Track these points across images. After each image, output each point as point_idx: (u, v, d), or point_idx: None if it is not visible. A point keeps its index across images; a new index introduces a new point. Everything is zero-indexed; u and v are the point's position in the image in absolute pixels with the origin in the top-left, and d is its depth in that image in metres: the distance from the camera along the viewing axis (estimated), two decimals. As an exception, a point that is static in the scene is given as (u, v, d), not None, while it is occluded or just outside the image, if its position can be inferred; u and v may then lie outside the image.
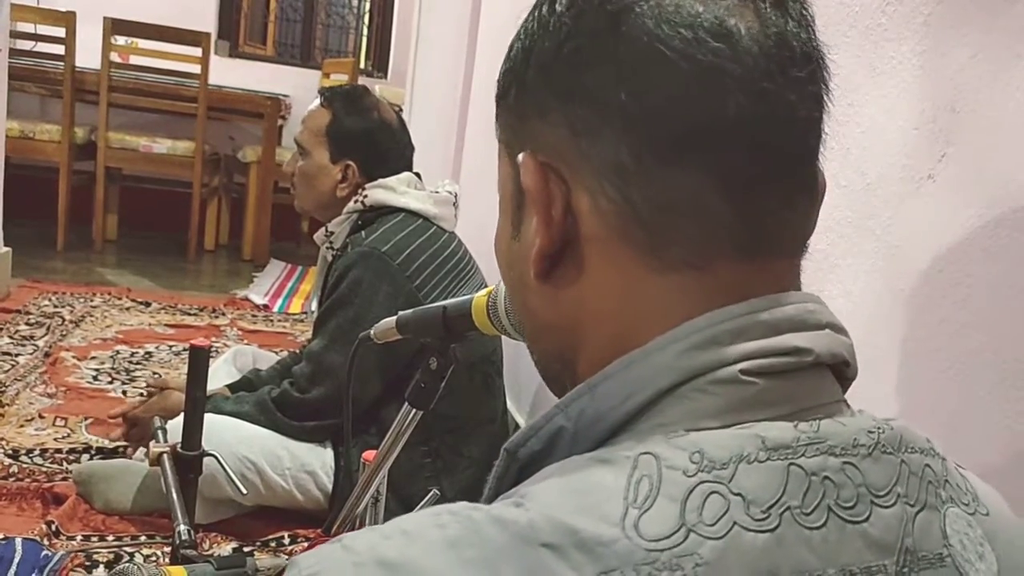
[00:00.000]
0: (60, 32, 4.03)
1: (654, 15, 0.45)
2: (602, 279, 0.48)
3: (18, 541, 1.64)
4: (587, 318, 0.50)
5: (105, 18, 4.08)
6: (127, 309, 3.41)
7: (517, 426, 2.24)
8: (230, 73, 5.07)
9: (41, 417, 2.33)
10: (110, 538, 1.78)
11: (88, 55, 4.08)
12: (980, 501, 0.49)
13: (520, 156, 0.50)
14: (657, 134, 0.45)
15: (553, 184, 0.48)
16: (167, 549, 1.74)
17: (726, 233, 0.46)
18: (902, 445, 0.46)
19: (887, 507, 0.43)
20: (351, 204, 1.92)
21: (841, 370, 0.48)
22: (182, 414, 1.28)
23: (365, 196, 1.91)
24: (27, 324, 3.06)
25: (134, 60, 4.45)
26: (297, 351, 2.22)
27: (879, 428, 0.46)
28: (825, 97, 0.48)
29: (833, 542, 0.41)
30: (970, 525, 0.47)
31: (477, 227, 2.63)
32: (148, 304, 3.50)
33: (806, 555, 0.40)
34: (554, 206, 0.48)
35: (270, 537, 1.84)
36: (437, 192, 1.97)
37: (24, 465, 2.04)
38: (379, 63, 6.12)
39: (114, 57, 4.20)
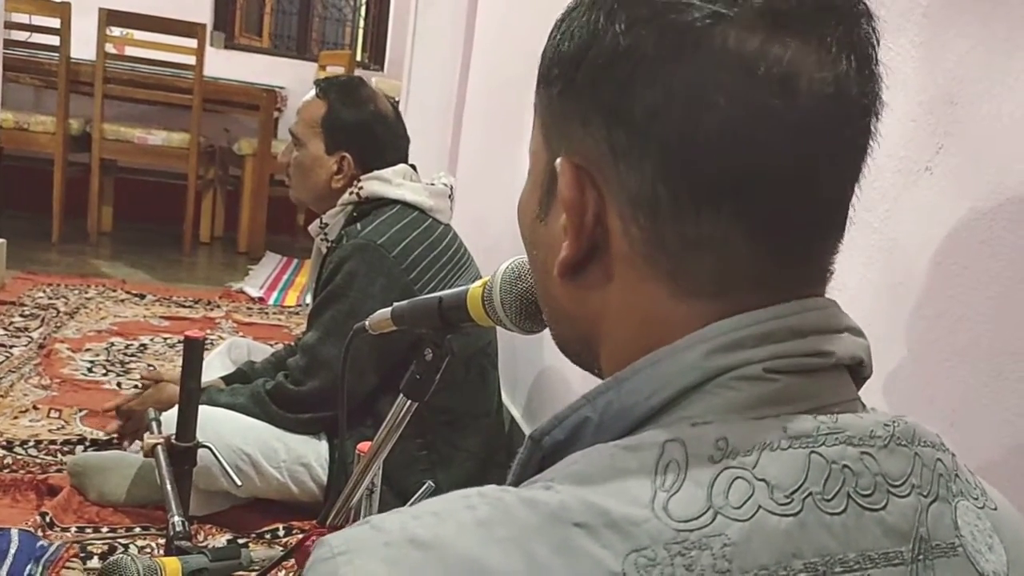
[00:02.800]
0: (55, 23, 4.01)
1: (714, 52, 0.43)
2: (627, 294, 0.49)
3: (14, 532, 1.64)
4: (610, 318, 0.50)
5: (100, 9, 4.06)
6: (122, 301, 3.40)
7: (513, 419, 2.24)
8: (226, 65, 5.05)
9: (35, 409, 2.32)
10: (104, 530, 1.78)
11: (83, 46, 4.06)
12: (988, 496, 0.51)
13: (558, 161, 0.50)
14: (697, 174, 0.45)
15: (588, 195, 0.48)
16: (161, 541, 1.74)
17: (749, 271, 0.46)
18: (916, 439, 0.47)
19: (903, 496, 0.44)
20: (346, 196, 1.91)
21: (857, 370, 0.49)
22: (176, 406, 1.28)
23: (360, 188, 1.90)
24: (21, 316, 3.05)
25: (129, 51, 4.42)
26: (292, 343, 2.22)
27: (894, 422, 0.47)
28: (871, 145, 0.48)
29: (852, 528, 0.42)
30: (979, 518, 0.48)
31: (473, 219, 2.63)
32: (143, 296, 3.49)
33: (827, 539, 0.41)
34: (587, 215, 0.48)
35: (265, 529, 1.84)
36: (433, 184, 1.96)
37: (18, 457, 2.04)
38: (375, 55, 6.11)
39: (109, 48, 4.18)
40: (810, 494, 0.42)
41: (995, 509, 0.50)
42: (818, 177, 0.45)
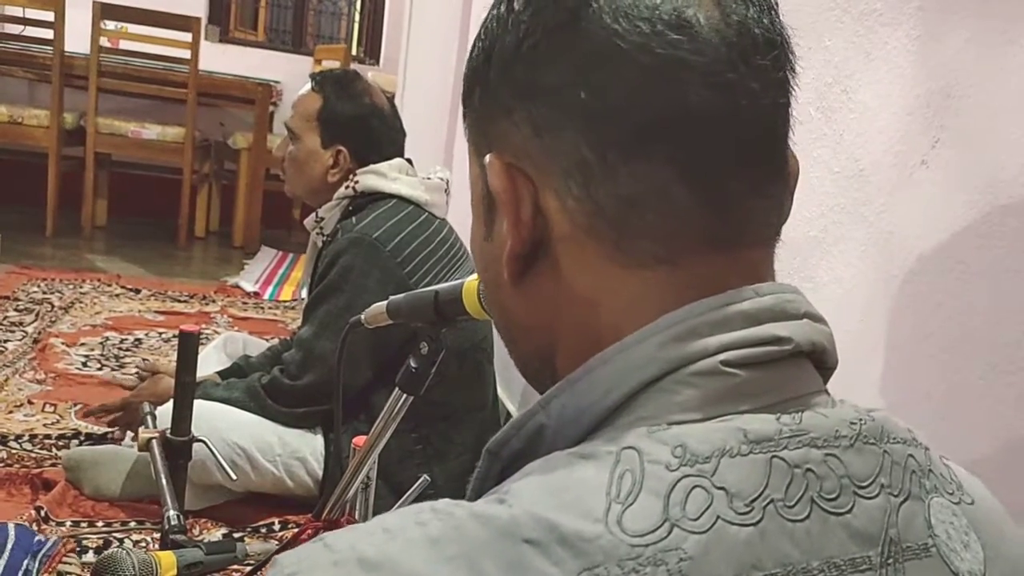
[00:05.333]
0: (49, 16, 3.99)
1: (611, 9, 0.45)
2: (575, 278, 0.48)
3: (11, 526, 1.63)
4: (563, 317, 0.49)
5: (94, 2, 4.05)
6: (117, 296, 3.40)
7: (508, 413, 2.24)
8: (220, 59, 5.04)
9: (30, 403, 2.32)
10: (99, 524, 1.77)
11: (77, 40, 4.04)
12: (964, 490, 0.49)
13: (487, 157, 0.50)
14: (618, 129, 0.45)
15: (520, 185, 0.48)
16: (157, 535, 1.73)
17: (693, 224, 0.45)
18: (884, 436, 0.46)
19: (870, 498, 0.43)
20: (342, 190, 1.91)
21: (820, 359, 0.48)
22: (172, 400, 1.28)
23: (356, 182, 1.89)
24: (16, 310, 3.04)
25: (124, 45, 4.42)
26: (288, 338, 2.22)
27: (860, 419, 0.45)
28: (791, 82, 0.48)
29: (816, 534, 0.41)
30: (955, 515, 0.47)
31: (468, 214, 2.62)
32: (138, 291, 3.49)
33: (789, 548, 0.40)
34: (522, 207, 0.48)
35: (260, 523, 1.84)
36: (429, 178, 1.96)
37: (13, 451, 2.03)
38: (371, 49, 6.09)
39: (103, 42, 4.17)
40: (771, 501, 0.40)
41: (972, 503, 0.49)
42: (739, 114, 0.45)
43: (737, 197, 0.46)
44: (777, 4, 0.48)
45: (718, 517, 0.39)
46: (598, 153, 0.45)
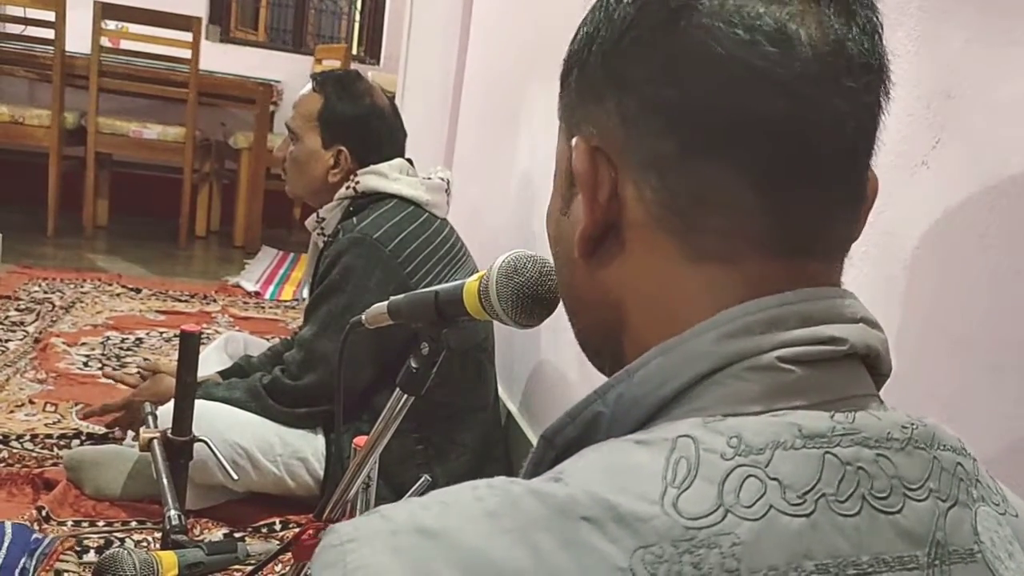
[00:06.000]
0: (50, 16, 3.99)
1: (714, 13, 0.46)
2: (642, 263, 0.50)
3: (7, 525, 1.64)
4: (628, 299, 0.51)
5: (95, 2, 4.05)
6: (118, 295, 3.40)
7: (509, 413, 2.24)
8: (221, 58, 5.04)
9: (31, 403, 2.32)
10: (101, 523, 1.77)
11: (78, 39, 4.04)
12: (1009, 503, 0.50)
13: (573, 139, 0.52)
14: (700, 130, 0.46)
15: (602, 170, 0.50)
16: (158, 535, 1.73)
17: (756, 230, 0.47)
18: (935, 442, 0.46)
19: (920, 500, 0.44)
20: (343, 190, 1.91)
21: (874, 364, 0.49)
22: (172, 400, 1.28)
23: (357, 182, 1.89)
24: (17, 310, 3.04)
25: (124, 44, 4.41)
26: (289, 338, 2.22)
27: (912, 424, 0.46)
28: (882, 108, 0.49)
29: (866, 530, 0.42)
30: (1000, 524, 0.47)
31: (469, 214, 2.63)
32: (139, 290, 3.49)
33: (840, 541, 0.41)
34: (600, 190, 0.50)
35: (261, 523, 1.84)
36: (429, 179, 1.96)
37: (15, 451, 2.04)
38: (372, 49, 6.09)
39: (104, 41, 4.16)
40: (823, 495, 0.41)
41: (1016, 516, 0.49)
42: (819, 131, 0.46)
43: (804, 211, 0.47)
44: (882, 28, 0.49)
45: (771, 506, 0.40)
46: (678, 149, 0.47)
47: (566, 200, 0.54)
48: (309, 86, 1.97)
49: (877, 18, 0.48)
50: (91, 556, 1.64)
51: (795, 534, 0.40)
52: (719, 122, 0.46)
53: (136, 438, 1.33)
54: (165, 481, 1.15)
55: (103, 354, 2.77)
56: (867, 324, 0.48)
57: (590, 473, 0.41)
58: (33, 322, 2.95)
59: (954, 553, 0.44)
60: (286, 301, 3.72)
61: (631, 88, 0.48)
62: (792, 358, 0.44)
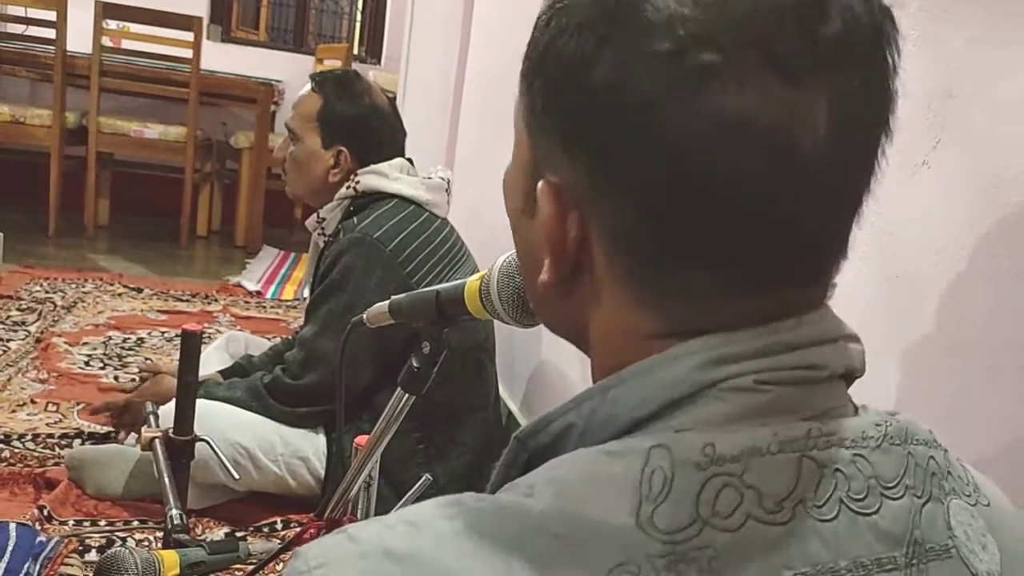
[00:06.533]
0: (51, 16, 3.99)
1: (709, 108, 0.40)
2: (609, 311, 0.47)
3: (12, 527, 1.63)
4: (595, 323, 0.49)
5: (96, 2, 4.05)
6: (119, 295, 3.40)
7: (510, 413, 2.25)
8: (222, 58, 5.04)
9: (33, 402, 2.32)
10: (102, 523, 1.78)
11: (79, 39, 4.04)
12: (981, 492, 0.50)
13: (540, 184, 0.47)
14: (680, 229, 0.43)
15: (570, 218, 0.46)
16: (159, 534, 1.74)
17: (735, 313, 0.44)
18: (908, 437, 0.46)
19: (896, 499, 0.44)
20: (343, 190, 1.91)
21: (850, 376, 0.48)
22: (174, 400, 1.28)
23: (357, 182, 1.89)
24: (18, 310, 3.04)
25: (125, 44, 4.41)
26: (290, 337, 2.22)
27: (886, 421, 0.46)
28: (872, 183, 0.47)
29: (844, 534, 0.41)
30: (972, 516, 0.47)
31: (470, 213, 2.63)
32: (140, 290, 3.49)
33: (818, 548, 0.41)
34: (568, 240, 0.46)
35: (262, 522, 1.84)
36: (430, 178, 1.96)
37: (16, 450, 2.04)
38: (373, 49, 6.09)
39: (105, 41, 4.16)
40: (801, 501, 0.41)
41: (988, 505, 0.49)
42: (808, 229, 0.44)
43: (792, 299, 0.45)
44: (895, 93, 0.46)
45: (748, 516, 0.39)
46: (654, 241, 0.44)
47: (528, 202, 0.50)
48: (308, 86, 1.97)
49: (893, 88, 0.46)
50: (93, 556, 1.64)
51: (773, 543, 0.39)
52: (703, 223, 0.42)
53: (138, 438, 1.33)
54: (167, 480, 1.15)
55: (104, 354, 2.77)
56: (846, 340, 0.47)
57: (562, 486, 0.40)
58: (35, 322, 2.95)
59: (930, 551, 0.44)
60: (287, 301, 3.72)
61: (607, 165, 0.44)
62: (771, 380, 0.43)
